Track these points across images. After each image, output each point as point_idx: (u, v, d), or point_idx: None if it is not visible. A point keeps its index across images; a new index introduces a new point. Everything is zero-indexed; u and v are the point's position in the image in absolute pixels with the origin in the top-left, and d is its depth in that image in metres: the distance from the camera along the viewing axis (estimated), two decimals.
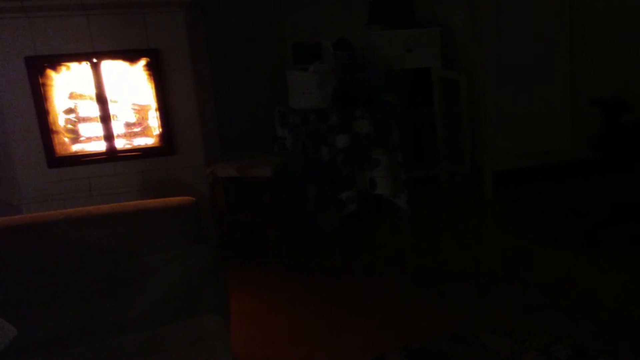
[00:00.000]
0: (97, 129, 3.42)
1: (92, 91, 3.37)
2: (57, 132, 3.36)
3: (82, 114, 3.43)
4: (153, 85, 3.42)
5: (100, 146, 3.44)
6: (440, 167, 4.36)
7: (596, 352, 2.38)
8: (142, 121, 3.53)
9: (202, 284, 2.05)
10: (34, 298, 1.98)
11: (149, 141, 3.52)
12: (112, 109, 3.42)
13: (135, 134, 3.52)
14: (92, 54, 3.30)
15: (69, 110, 3.40)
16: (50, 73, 3.29)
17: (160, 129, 3.48)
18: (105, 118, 3.40)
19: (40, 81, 3.26)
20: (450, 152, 4.37)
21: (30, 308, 1.93)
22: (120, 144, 3.47)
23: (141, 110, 3.52)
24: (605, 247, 3.35)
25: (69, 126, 3.41)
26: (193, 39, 3.48)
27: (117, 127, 3.46)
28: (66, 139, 3.41)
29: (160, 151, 3.50)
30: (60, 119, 3.38)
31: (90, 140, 3.46)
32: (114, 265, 2.13)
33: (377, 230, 3.82)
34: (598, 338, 2.50)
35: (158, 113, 3.46)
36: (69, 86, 3.37)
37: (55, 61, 3.28)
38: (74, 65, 3.33)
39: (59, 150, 3.37)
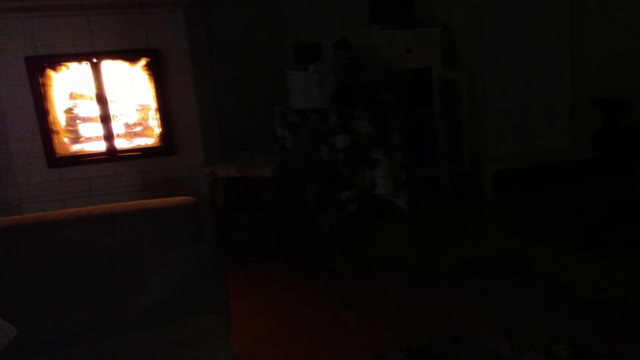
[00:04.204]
0: (97, 129, 3.42)
1: (92, 91, 3.37)
2: (57, 132, 3.36)
3: (82, 114, 3.43)
4: (153, 85, 3.42)
5: (100, 146, 3.44)
6: (440, 167, 4.36)
7: (596, 352, 2.38)
8: (142, 121, 3.53)
9: (202, 284, 2.05)
10: (34, 298, 1.98)
11: (149, 141, 3.52)
12: (112, 109, 3.42)
13: (136, 134, 3.52)
14: (92, 54, 3.30)
15: (69, 110, 3.40)
16: (50, 73, 3.29)
17: (160, 129, 3.48)
18: (105, 118, 3.40)
19: (40, 81, 3.26)
20: (450, 152, 4.36)
21: (30, 308, 1.93)
22: (120, 144, 3.47)
23: (141, 110, 3.52)
24: (605, 247, 3.35)
25: (69, 126, 3.42)
26: (193, 39, 3.48)
27: (117, 127, 3.46)
28: (66, 139, 3.41)
29: (160, 151, 3.50)
30: (60, 119, 3.38)
31: (90, 140, 3.46)
32: (114, 265, 2.13)
33: (377, 231, 3.82)
34: (598, 338, 2.50)
35: (158, 113, 3.46)
36: (69, 86, 3.37)
37: (55, 61, 3.28)
38: (74, 65, 3.33)
39: (59, 150, 3.37)
